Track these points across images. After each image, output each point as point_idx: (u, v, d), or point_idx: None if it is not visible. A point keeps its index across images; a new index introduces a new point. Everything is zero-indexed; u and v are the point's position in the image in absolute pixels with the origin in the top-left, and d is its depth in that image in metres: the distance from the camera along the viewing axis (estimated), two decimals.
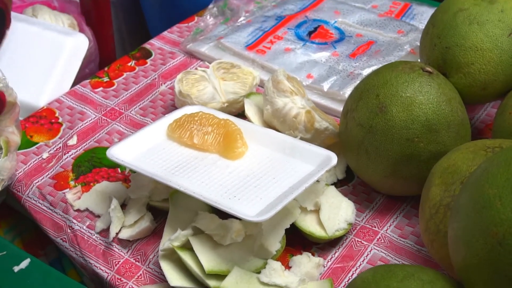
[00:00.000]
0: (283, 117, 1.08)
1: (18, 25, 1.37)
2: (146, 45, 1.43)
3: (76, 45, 1.34)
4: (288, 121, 1.07)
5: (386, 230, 1.00)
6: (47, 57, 1.32)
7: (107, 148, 1.06)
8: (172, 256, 0.92)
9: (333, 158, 0.96)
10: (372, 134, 0.96)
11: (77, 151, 1.15)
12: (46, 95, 1.28)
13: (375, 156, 0.97)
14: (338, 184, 1.07)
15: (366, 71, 1.26)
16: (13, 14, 1.39)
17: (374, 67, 1.26)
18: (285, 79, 1.09)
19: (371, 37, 1.38)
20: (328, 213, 0.97)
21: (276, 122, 1.09)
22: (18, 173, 1.11)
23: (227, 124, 1.03)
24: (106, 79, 1.33)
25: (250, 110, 1.13)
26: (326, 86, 1.24)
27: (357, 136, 0.98)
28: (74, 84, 1.32)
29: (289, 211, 0.95)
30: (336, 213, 0.97)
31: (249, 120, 1.12)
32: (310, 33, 1.38)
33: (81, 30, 1.44)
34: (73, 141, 1.17)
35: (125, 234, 0.98)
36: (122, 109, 1.25)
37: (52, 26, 1.38)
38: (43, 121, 1.22)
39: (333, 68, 1.29)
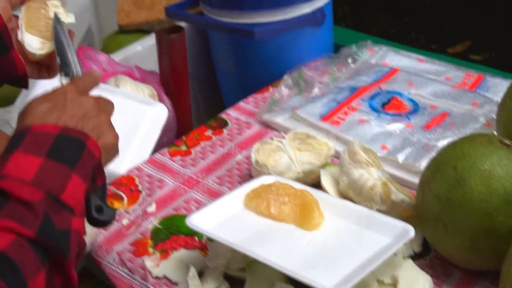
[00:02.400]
0: (359, 188, 1.08)
1: (101, 94, 1.43)
2: (223, 115, 1.47)
3: (156, 114, 1.39)
4: (364, 192, 1.08)
5: None
6: (128, 125, 1.37)
7: (184, 216, 1.08)
8: None
9: (410, 231, 0.96)
10: (449, 207, 0.96)
11: (155, 218, 1.18)
12: (126, 162, 1.32)
13: (452, 229, 0.96)
14: (414, 257, 1.06)
15: (441, 143, 1.26)
16: None
17: (449, 139, 1.26)
18: (361, 150, 1.11)
19: (445, 108, 1.38)
20: (406, 287, 0.96)
21: (352, 193, 1.10)
22: (99, 239, 1.15)
23: (303, 194, 1.05)
24: (184, 148, 1.36)
25: (326, 180, 1.14)
26: (401, 157, 1.24)
27: (434, 209, 0.98)
28: (153, 152, 1.36)
29: (366, 283, 0.95)
30: (414, 287, 0.96)
31: (325, 191, 1.13)
32: (384, 105, 1.40)
33: (161, 100, 1.49)
34: (152, 208, 1.20)
35: None
36: (199, 178, 1.28)
37: (133, 95, 1.44)
38: (123, 188, 1.26)
39: (408, 139, 1.29)
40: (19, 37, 1.06)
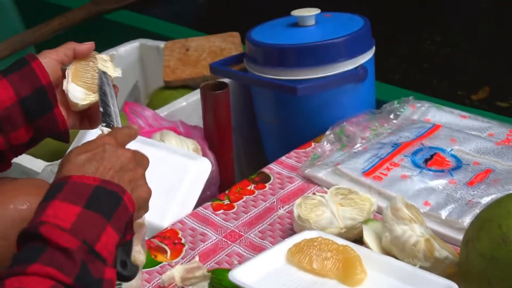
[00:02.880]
0: (402, 245, 1.08)
1: (147, 148, 1.45)
2: (265, 170, 1.48)
3: (199, 168, 1.41)
4: (407, 249, 1.07)
5: None
6: (173, 179, 1.40)
7: (227, 269, 1.09)
8: None
9: None
10: (494, 265, 0.95)
11: None
12: (170, 216, 1.34)
13: (497, 287, 0.95)
14: None
15: (485, 200, 1.26)
16: (142, 138, 1.49)
17: (493, 196, 1.26)
18: (404, 206, 1.11)
19: (489, 165, 1.38)
20: None
21: (395, 249, 1.10)
22: None
23: (346, 250, 1.05)
24: (226, 201, 1.38)
25: (368, 236, 1.14)
26: (444, 214, 1.24)
27: (479, 267, 0.97)
28: (196, 206, 1.38)
29: None
30: None
31: (367, 247, 1.13)
32: (426, 161, 1.40)
33: (204, 155, 1.51)
34: (194, 261, 1.21)
35: None
36: (241, 232, 1.29)
37: (178, 150, 1.46)
38: (167, 241, 1.28)
39: (451, 196, 1.29)
40: (64, 87, 1.09)
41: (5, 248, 1.00)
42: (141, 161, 0.95)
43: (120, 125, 1.05)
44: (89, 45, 1.15)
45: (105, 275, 0.80)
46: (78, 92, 1.09)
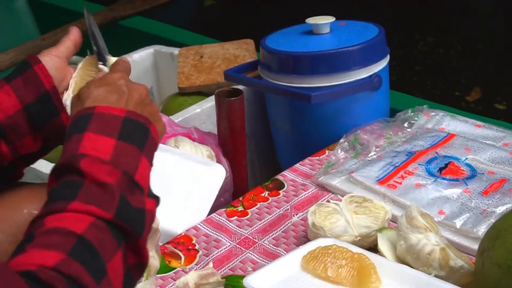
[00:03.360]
0: (416, 254, 1.08)
1: (161, 154, 1.46)
2: (279, 177, 1.48)
3: (214, 175, 1.42)
4: (422, 257, 1.07)
5: None
6: (187, 185, 1.40)
7: (241, 276, 1.09)
8: None
9: None
10: (510, 275, 0.95)
11: None
12: (184, 222, 1.35)
13: None
14: None
15: (500, 209, 1.25)
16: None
17: (509, 206, 1.25)
18: (419, 215, 1.11)
19: (504, 174, 1.37)
20: None
21: (409, 258, 1.10)
22: None
23: (361, 258, 1.05)
24: (240, 208, 1.38)
25: (383, 245, 1.14)
26: (458, 223, 1.23)
27: (494, 276, 0.97)
28: (210, 212, 1.38)
29: None
30: None
31: (382, 255, 1.13)
32: (441, 169, 1.40)
33: (219, 161, 1.52)
34: (208, 268, 1.22)
35: None
36: (255, 238, 1.29)
37: (192, 156, 1.47)
38: (181, 247, 1.28)
39: (465, 205, 1.29)
40: (63, 100, 1.07)
41: None
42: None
43: (108, 56, 1.06)
44: (76, 32, 1.12)
45: (146, 205, 0.81)
46: None
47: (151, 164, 0.86)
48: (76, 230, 0.74)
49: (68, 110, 1.06)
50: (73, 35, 1.12)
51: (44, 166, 1.54)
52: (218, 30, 2.68)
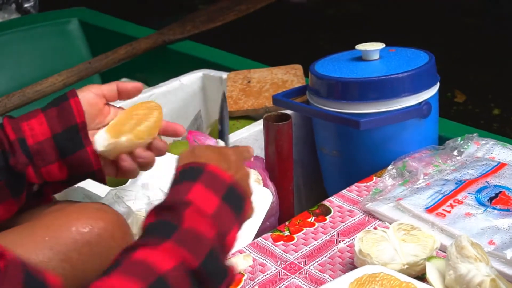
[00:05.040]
0: (466, 284, 1.06)
1: None
2: (326, 202, 1.48)
3: (260, 199, 1.42)
4: None
5: None
6: None
7: None
8: None
9: None
10: None
11: None
12: None
13: None
14: None
15: None
16: None
17: None
18: (469, 245, 1.09)
19: None
20: None
21: None
22: None
23: (409, 287, 1.04)
24: (286, 233, 1.38)
25: (431, 274, 1.13)
26: (509, 254, 1.21)
27: None
28: (256, 236, 1.38)
29: None
30: None
31: (430, 284, 1.11)
32: (491, 199, 1.38)
33: (265, 185, 1.52)
34: None
35: None
36: (301, 264, 1.28)
37: None
38: None
39: None
40: (95, 135, 1.09)
41: (68, 271, 1.02)
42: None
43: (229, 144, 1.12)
44: (134, 84, 1.17)
45: (229, 267, 0.85)
46: (101, 139, 1.10)
47: (238, 233, 0.91)
48: (161, 267, 0.77)
49: (95, 145, 1.08)
50: (125, 85, 1.16)
51: (92, 186, 1.56)
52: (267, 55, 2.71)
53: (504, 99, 3.31)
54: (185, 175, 0.89)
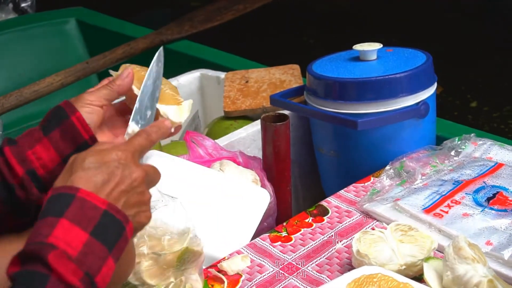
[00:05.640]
0: (464, 285, 1.06)
1: (206, 178, 1.48)
2: (323, 203, 1.48)
3: (258, 199, 1.42)
4: None
5: None
6: (231, 209, 1.40)
7: None
8: None
9: None
10: None
11: None
12: (227, 246, 1.35)
13: None
14: None
15: None
16: (202, 167, 1.50)
17: None
18: (467, 245, 1.09)
19: None
20: None
21: None
22: None
23: None
24: (284, 233, 1.38)
25: (429, 274, 1.13)
26: (507, 254, 1.21)
27: None
28: (254, 237, 1.38)
29: None
30: None
31: (428, 285, 1.11)
32: (489, 199, 1.38)
33: (263, 186, 1.52)
34: None
35: None
36: (299, 264, 1.28)
37: (237, 180, 1.47)
38: (224, 271, 1.28)
39: None
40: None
41: None
42: (152, 179, 0.94)
43: (152, 121, 1.03)
44: (125, 73, 1.12)
45: None
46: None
47: (115, 263, 0.86)
48: None
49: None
50: (123, 83, 1.11)
51: None
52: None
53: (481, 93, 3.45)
54: (51, 207, 0.84)
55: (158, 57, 1.11)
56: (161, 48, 1.13)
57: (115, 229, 0.85)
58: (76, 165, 0.88)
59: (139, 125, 1.04)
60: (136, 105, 1.04)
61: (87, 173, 0.86)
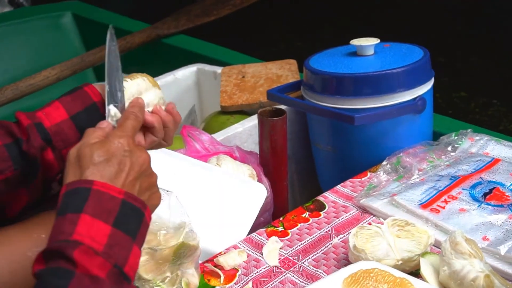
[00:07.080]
0: (460, 280, 1.06)
1: (203, 172, 1.47)
2: (320, 198, 1.48)
3: (255, 194, 1.42)
4: (466, 284, 1.05)
5: None
6: (228, 204, 1.41)
7: None
8: None
9: None
10: None
11: None
12: (224, 240, 1.35)
13: None
14: None
15: None
16: (198, 162, 1.50)
17: None
18: (464, 241, 1.09)
19: None
20: None
21: (453, 284, 1.08)
22: None
23: (403, 283, 1.04)
24: (281, 228, 1.38)
25: (426, 269, 1.13)
26: (503, 249, 1.21)
27: None
28: (250, 231, 1.38)
29: None
30: None
31: (424, 280, 1.11)
32: (485, 195, 1.38)
33: (260, 181, 1.52)
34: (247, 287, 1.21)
35: None
36: (295, 259, 1.28)
37: (233, 175, 1.47)
38: (220, 266, 1.28)
39: (510, 231, 1.26)
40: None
41: None
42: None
43: (124, 101, 1.02)
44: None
45: None
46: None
47: (141, 249, 0.87)
48: None
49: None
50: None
51: None
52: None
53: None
54: (70, 203, 0.84)
55: (111, 36, 1.09)
56: (111, 26, 1.11)
57: (136, 216, 0.87)
58: (86, 161, 0.88)
59: (118, 108, 1.03)
60: (107, 88, 1.03)
61: (98, 167, 0.87)
